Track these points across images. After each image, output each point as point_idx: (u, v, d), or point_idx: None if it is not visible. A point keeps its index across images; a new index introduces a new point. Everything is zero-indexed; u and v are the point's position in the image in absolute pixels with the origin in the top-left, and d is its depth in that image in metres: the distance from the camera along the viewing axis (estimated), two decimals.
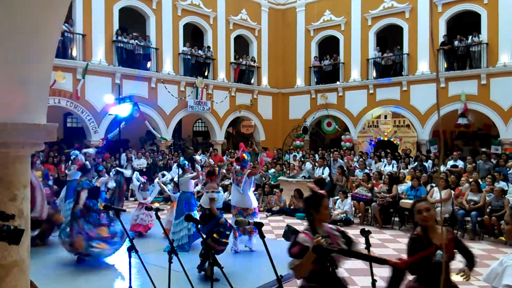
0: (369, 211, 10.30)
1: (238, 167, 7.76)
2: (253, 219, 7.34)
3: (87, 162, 7.45)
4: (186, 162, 8.07)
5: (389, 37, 19.42)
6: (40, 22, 2.39)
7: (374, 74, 19.00)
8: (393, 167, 13.25)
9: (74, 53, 15.01)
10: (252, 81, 21.11)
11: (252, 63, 20.96)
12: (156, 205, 9.87)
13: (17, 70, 2.35)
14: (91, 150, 11.53)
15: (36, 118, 2.53)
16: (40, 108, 2.59)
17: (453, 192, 9.39)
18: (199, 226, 4.40)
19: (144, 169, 15.00)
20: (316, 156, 15.25)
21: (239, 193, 7.56)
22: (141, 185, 9.03)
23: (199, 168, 8.27)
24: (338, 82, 20.04)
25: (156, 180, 9.55)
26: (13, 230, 1.76)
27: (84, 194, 6.66)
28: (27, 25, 2.31)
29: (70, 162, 11.53)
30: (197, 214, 7.64)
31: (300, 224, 9.92)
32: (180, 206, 7.68)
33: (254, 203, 7.67)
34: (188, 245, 7.34)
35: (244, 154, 7.80)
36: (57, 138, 2.80)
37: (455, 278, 3.10)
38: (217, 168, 6.86)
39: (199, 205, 8.26)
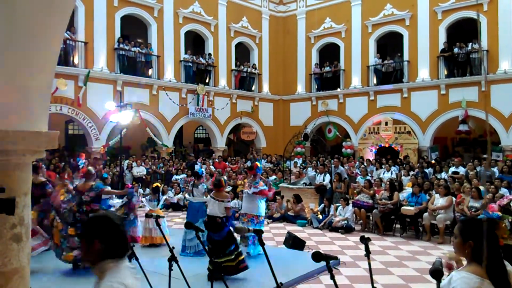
0: (370, 218, 10.27)
1: (251, 176, 7.96)
2: (260, 227, 7.42)
3: (91, 168, 7.46)
4: (203, 170, 8.10)
5: (390, 44, 19.49)
6: (42, 31, 2.41)
7: (375, 81, 19.05)
8: (392, 174, 13.23)
9: (76, 61, 15.09)
10: (253, 88, 21.18)
11: (253, 70, 21.03)
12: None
13: (18, 78, 2.37)
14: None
15: (38, 125, 2.55)
16: (41, 116, 2.61)
17: (454, 198, 9.36)
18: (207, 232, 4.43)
19: (144, 177, 15.00)
20: (317, 163, 15.22)
21: (251, 198, 7.64)
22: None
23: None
24: (338, 89, 20.09)
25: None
26: (5, 200, 1.85)
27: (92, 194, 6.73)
28: (28, 34, 2.34)
29: (77, 171, 11.59)
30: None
31: (301, 231, 9.90)
32: (193, 213, 7.68)
33: (263, 211, 7.80)
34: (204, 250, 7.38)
35: (257, 162, 8.00)
36: (58, 146, 2.82)
37: None
38: (223, 179, 6.82)
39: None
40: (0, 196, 1.91)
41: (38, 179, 7.32)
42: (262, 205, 7.74)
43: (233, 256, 6.08)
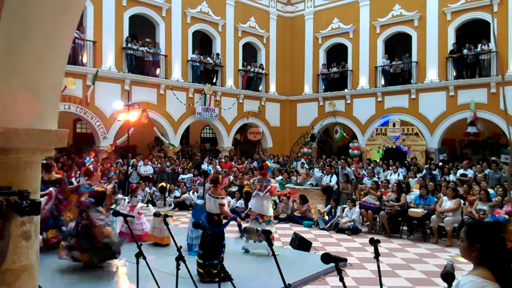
0: (377, 219, 10.21)
1: (259, 176, 8.13)
2: (267, 226, 7.46)
3: (90, 166, 7.39)
4: (211, 169, 8.13)
5: (398, 45, 19.38)
6: (53, 30, 2.42)
7: (383, 82, 18.95)
8: (399, 175, 13.15)
9: (85, 60, 15.18)
10: (260, 88, 21.17)
11: (260, 70, 21.02)
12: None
13: (29, 77, 2.38)
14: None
15: (47, 124, 2.56)
16: (51, 114, 2.61)
17: (462, 201, 9.28)
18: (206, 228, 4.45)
19: (151, 176, 15.04)
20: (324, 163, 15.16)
21: (260, 198, 7.76)
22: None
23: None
24: (346, 90, 20.02)
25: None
26: (31, 203, 1.99)
27: (83, 198, 6.51)
28: (39, 33, 2.34)
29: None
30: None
31: (307, 232, 9.87)
32: (198, 212, 7.68)
33: (271, 211, 7.87)
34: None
35: (267, 162, 8.10)
36: (67, 144, 2.83)
37: None
38: (220, 176, 6.87)
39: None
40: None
41: (54, 176, 7.64)
42: (269, 206, 7.81)
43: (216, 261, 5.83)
